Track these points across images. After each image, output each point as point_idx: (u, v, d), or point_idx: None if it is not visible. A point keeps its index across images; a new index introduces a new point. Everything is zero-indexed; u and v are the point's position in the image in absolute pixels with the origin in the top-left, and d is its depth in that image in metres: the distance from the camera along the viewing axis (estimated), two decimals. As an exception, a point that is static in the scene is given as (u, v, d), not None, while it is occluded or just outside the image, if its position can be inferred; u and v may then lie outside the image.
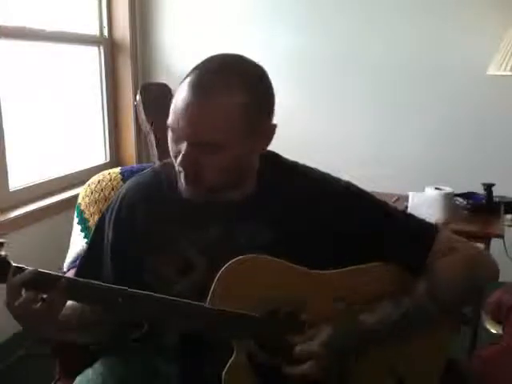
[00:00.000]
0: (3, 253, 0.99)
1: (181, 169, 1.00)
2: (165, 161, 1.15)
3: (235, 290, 1.00)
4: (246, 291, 1.01)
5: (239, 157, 0.99)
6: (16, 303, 0.95)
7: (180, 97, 0.96)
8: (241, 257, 1.00)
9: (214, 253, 1.05)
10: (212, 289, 0.99)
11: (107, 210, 1.16)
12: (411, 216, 1.15)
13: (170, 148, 1.02)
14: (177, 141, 0.99)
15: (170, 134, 1.01)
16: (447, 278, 1.04)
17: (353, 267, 1.05)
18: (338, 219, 1.06)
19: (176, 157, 1.00)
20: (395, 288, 1.05)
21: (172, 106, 0.98)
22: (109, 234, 1.12)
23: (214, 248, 1.06)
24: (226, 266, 0.99)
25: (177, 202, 1.07)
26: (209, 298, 0.99)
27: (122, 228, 1.11)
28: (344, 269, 1.05)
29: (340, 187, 1.11)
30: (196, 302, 0.99)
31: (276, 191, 1.09)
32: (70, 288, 0.98)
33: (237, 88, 0.96)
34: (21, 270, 0.97)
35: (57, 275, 1.01)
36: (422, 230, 1.10)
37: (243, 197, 1.08)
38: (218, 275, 0.99)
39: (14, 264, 0.98)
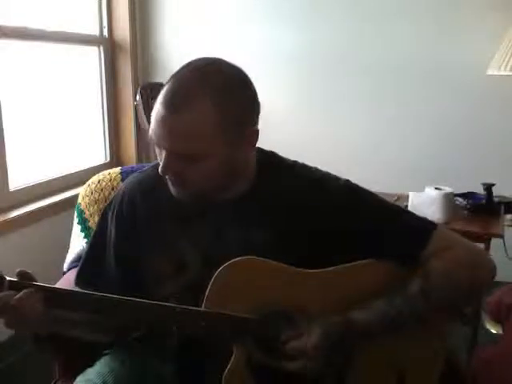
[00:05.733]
0: None
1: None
2: None
3: (231, 293, 1.00)
4: (242, 293, 1.01)
5: (220, 164, 0.99)
6: None
7: (156, 109, 0.97)
8: (236, 259, 1.00)
9: (207, 252, 1.05)
10: (207, 291, 0.99)
11: (109, 205, 1.16)
12: (409, 212, 1.15)
13: (157, 153, 1.02)
14: (159, 148, 1.00)
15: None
16: (442, 277, 1.04)
17: (347, 265, 1.05)
18: (336, 218, 1.06)
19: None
20: (389, 285, 1.04)
21: (152, 115, 0.98)
22: (111, 229, 1.13)
23: (207, 247, 1.06)
24: (220, 268, 0.99)
25: (174, 200, 1.07)
26: (204, 300, 0.99)
27: (123, 225, 1.12)
28: (338, 267, 1.05)
29: (339, 186, 1.11)
30: (192, 307, 0.99)
31: (273, 190, 1.08)
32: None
33: (209, 99, 0.94)
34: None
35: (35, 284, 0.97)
36: (418, 226, 1.10)
37: (237, 196, 1.08)
38: (214, 277, 0.99)
39: None
